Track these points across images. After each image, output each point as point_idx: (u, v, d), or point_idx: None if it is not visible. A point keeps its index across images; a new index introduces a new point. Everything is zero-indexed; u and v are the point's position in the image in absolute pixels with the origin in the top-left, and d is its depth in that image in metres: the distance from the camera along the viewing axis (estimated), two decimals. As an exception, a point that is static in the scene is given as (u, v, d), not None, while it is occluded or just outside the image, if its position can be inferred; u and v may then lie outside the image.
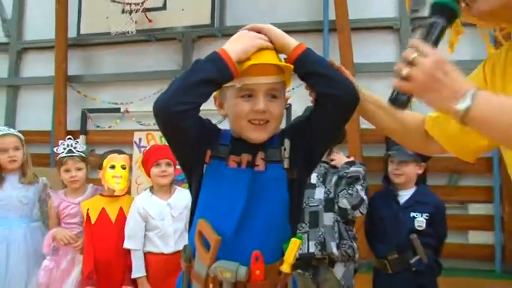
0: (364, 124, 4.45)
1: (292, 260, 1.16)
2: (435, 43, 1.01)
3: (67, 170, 2.19)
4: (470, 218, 4.33)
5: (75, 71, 5.10)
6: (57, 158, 2.27)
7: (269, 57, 1.21)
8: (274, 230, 1.19)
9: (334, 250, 2.11)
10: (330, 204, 2.18)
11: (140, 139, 4.62)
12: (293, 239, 1.17)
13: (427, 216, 2.34)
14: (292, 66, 1.22)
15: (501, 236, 4.16)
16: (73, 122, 4.97)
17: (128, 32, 4.35)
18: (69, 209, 2.21)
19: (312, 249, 2.11)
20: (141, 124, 4.64)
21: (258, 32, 1.25)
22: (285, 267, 1.16)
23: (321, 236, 2.11)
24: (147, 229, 2.30)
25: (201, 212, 1.21)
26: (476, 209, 4.33)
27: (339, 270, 2.17)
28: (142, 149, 4.14)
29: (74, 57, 5.10)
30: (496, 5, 1.02)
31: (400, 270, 2.27)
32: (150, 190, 2.39)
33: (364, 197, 2.18)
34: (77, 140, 2.28)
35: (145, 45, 4.88)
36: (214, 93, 1.23)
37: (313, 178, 2.20)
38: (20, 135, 2.37)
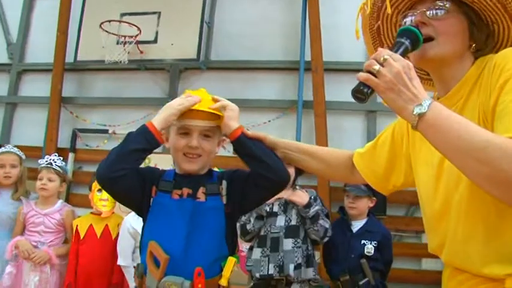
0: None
1: (228, 275, 1.32)
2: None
3: (40, 178, 2.32)
4: (424, 246, 4.43)
5: (69, 93, 5.30)
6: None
7: (203, 105, 1.42)
8: (213, 251, 1.35)
9: (291, 272, 2.29)
10: (289, 231, 2.42)
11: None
12: (229, 258, 1.35)
13: (375, 243, 2.62)
14: (222, 115, 1.41)
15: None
16: (64, 140, 5.15)
17: (120, 62, 4.58)
18: (35, 217, 2.32)
19: (271, 271, 2.31)
20: (127, 145, 4.85)
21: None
22: (223, 281, 1.32)
23: (280, 260, 2.35)
24: (137, 246, 2.36)
25: (151, 235, 1.38)
26: (429, 239, 4.60)
27: None
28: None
29: (69, 80, 5.30)
30: (442, 53, 1.10)
31: None
32: None
33: (327, 225, 2.42)
34: (60, 157, 2.45)
35: (136, 73, 5.11)
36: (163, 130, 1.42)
37: (275, 207, 2.45)
38: (20, 153, 2.51)
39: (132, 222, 2.40)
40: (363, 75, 1.01)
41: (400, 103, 0.99)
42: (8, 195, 2.44)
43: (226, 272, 1.32)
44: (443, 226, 1.14)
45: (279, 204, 2.44)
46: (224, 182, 1.43)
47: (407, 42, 1.08)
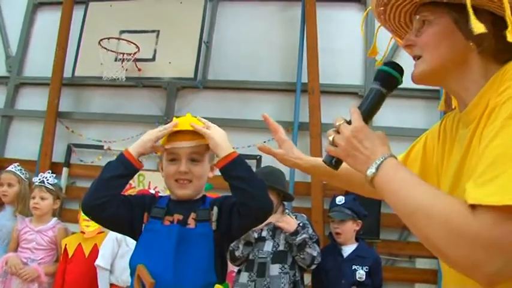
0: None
1: None
2: (371, 108, 1.03)
3: (33, 197, 2.31)
4: (417, 271, 4.47)
5: (66, 108, 5.27)
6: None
7: (186, 125, 1.42)
8: (201, 277, 1.32)
9: None
10: (277, 256, 2.38)
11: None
12: (217, 285, 1.32)
13: (366, 268, 2.58)
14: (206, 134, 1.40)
15: (443, 290, 4.36)
16: (58, 154, 5.09)
17: (118, 79, 4.56)
18: (27, 234, 2.29)
19: None
20: (122, 162, 4.83)
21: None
22: None
23: (266, 285, 2.31)
24: (117, 255, 2.40)
25: (139, 259, 1.36)
26: (422, 263, 4.47)
27: None
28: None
29: (66, 95, 5.26)
30: (428, 69, 1.00)
31: None
32: None
33: (315, 253, 2.37)
34: (53, 174, 2.43)
35: (133, 90, 5.08)
36: (159, 158, 1.47)
37: (264, 232, 2.41)
38: (19, 173, 2.49)
39: None
40: (327, 147, 1.03)
41: (358, 166, 0.98)
42: (10, 211, 2.44)
43: None
44: None
45: (267, 229, 2.41)
46: (215, 208, 1.43)
47: (377, 86, 1.05)
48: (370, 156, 0.95)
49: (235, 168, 1.37)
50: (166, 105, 5.06)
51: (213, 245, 1.37)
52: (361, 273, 2.57)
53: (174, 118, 1.55)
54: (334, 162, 1.04)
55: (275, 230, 2.41)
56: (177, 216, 1.41)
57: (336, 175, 1.22)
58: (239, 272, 2.44)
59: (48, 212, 2.34)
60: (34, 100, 5.48)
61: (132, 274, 1.37)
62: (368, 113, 1.03)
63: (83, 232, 2.31)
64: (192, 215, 1.41)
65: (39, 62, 5.53)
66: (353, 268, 2.58)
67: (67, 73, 5.15)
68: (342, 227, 2.69)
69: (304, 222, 2.45)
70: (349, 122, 0.99)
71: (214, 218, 1.40)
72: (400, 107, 4.54)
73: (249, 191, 1.34)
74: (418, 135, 1.27)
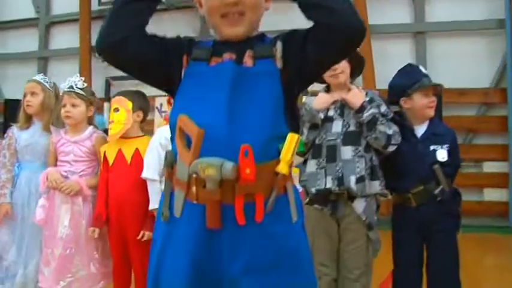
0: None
1: (289, 158, 0.96)
2: None
3: (63, 105, 2.07)
4: (485, 176, 4.15)
5: (99, 42, 5.17)
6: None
7: None
8: (266, 127, 0.99)
9: (352, 185, 1.86)
10: (348, 137, 1.99)
11: (161, 104, 4.57)
12: (290, 134, 0.97)
13: (447, 147, 2.19)
14: None
15: (515, 193, 4.01)
16: (97, 89, 4.87)
17: None
18: (64, 146, 2.06)
19: (329, 185, 1.86)
20: (162, 90, 4.65)
21: None
22: (282, 167, 0.96)
23: (339, 171, 1.94)
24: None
25: (181, 110, 1.03)
26: (491, 167, 4.17)
27: (358, 205, 1.93)
28: (164, 114, 4.11)
29: (97, 28, 5.11)
30: None
31: (424, 202, 2.15)
32: None
33: (389, 131, 1.94)
34: (81, 78, 2.19)
35: (164, 13, 4.78)
36: None
37: (331, 111, 2.01)
38: (41, 80, 2.25)
39: (166, 132, 2.07)
40: None
41: None
42: (40, 125, 2.22)
43: (286, 153, 0.96)
44: None
45: (335, 108, 2.02)
46: (279, 43, 1.06)
47: None
48: None
49: None
50: (200, 26, 4.74)
51: (280, 87, 1.02)
52: (443, 153, 2.16)
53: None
54: None
55: (343, 107, 2.01)
56: (229, 55, 1.06)
57: None
58: (305, 162, 2.08)
59: (83, 120, 2.09)
60: (66, 38, 5.32)
61: (172, 133, 1.07)
62: None
63: (123, 137, 2.04)
64: (249, 52, 1.05)
65: (65, -3, 5.29)
66: (431, 148, 2.20)
67: (94, 5, 4.88)
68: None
69: (372, 96, 2.05)
70: None
71: (279, 54, 1.05)
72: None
73: (328, 4, 0.98)
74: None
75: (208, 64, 1.05)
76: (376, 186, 1.91)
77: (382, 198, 2.00)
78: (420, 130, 2.20)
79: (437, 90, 2.16)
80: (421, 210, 2.08)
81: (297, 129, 1.05)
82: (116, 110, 2.03)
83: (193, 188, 0.95)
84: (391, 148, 1.93)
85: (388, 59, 4.34)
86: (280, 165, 0.96)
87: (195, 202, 0.95)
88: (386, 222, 2.11)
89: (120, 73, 1.22)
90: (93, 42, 4.94)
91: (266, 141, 0.97)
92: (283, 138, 0.96)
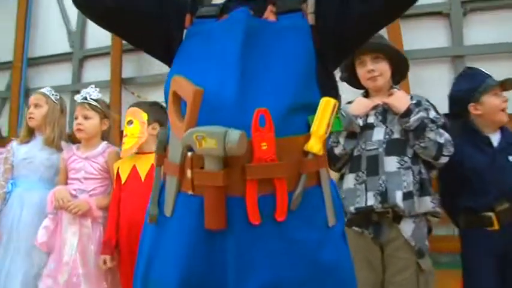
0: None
1: (323, 132, 0.69)
2: None
3: (75, 118, 1.95)
4: None
5: (129, 74, 5.11)
6: None
7: None
8: (291, 89, 0.75)
9: (399, 201, 1.61)
10: (392, 146, 1.73)
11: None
12: (324, 98, 0.74)
13: None
14: None
15: None
16: None
17: None
18: (75, 163, 1.94)
19: (370, 202, 1.64)
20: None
21: None
22: (313, 145, 0.69)
23: (382, 185, 1.65)
24: None
25: (177, 73, 0.84)
26: None
27: (406, 227, 1.64)
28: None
29: (128, 61, 5.09)
30: None
31: (510, 223, 1.80)
32: None
33: (441, 140, 1.68)
34: (96, 88, 2.07)
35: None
36: None
37: (371, 117, 1.77)
38: (47, 92, 2.18)
39: None
40: None
41: None
42: (41, 139, 2.10)
43: (319, 125, 0.68)
44: None
45: (375, 114, 1.78)
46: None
47: None
48: None
49: None
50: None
51: (312, 45, 0.80)
52: None
53: None
54: None
55: (385, 112, 1.76)
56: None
57: None
58: (342, 177, 1.80)
59: (96, 134, 1.97)
60: (98, 71, 5.38)
61: (167, 103, 0.87)
62: None
63: (138, 152, 1.87)
64: (270, 7, 0.87)
65: (98, 33, 5.37)
66: (510, 160, 1.88)
67: (126, 40, 4.94)
68: None
69: (419, 100, 1.79)
70: None
71: (310, 8, 0.84)
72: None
73: None
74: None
75: (218, 20, 0.86)
76: (428, 203, 1.63)
77: (434, 218, 1.70)
78: (494, 139, 1.92)
79: (508, 87, 1.91)
80: (507, 233, 1.76)
81: (335, 95, 0.83)
82: (130, 122, 1.90)
83: (188, 172, 0.70)
84: (443, 160, 1.67)
85: (426, 84, 4.11)
86: (311, 142, 0.69)
87: (190, 193, 0.70)
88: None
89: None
90: (124, 74, 5.07)
91: (290, 108, 0.72)
92: (315, 109, 0.72)
